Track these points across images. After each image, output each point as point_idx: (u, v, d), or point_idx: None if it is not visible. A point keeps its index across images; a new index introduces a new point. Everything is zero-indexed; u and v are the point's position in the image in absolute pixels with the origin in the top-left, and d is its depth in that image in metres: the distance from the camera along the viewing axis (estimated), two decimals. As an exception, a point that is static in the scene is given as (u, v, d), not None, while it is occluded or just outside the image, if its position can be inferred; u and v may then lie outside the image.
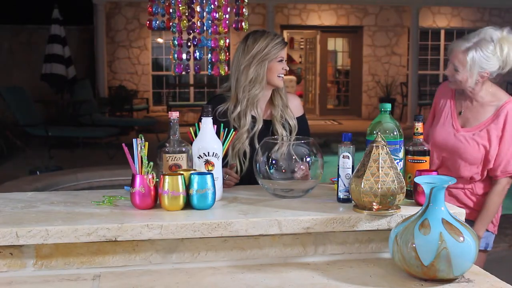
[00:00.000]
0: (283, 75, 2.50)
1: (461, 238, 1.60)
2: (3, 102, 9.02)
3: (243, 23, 2.71)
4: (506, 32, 2.43)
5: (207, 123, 2.01)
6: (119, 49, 12.89)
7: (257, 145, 2.38)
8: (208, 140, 2.00)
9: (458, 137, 2.52)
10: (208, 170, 1.98)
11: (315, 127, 11.92)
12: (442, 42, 14.22)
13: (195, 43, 2.75)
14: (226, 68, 2.75)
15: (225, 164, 2.28)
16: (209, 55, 2.79)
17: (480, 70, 2.42)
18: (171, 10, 2.71)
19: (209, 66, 2.80)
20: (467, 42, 2.44)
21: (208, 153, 1.99)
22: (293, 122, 2.54)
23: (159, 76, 13.30)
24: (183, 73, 2.82)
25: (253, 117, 2.48)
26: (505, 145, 2.48)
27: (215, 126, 2.05)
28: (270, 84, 2.48)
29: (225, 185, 2.26)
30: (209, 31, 2.69)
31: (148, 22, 2.82)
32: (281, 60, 2.47)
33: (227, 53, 2.75)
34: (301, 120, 2.60)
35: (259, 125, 2.48)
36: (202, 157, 1.99)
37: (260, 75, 2.44)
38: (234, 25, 2.74)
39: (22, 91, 9.17)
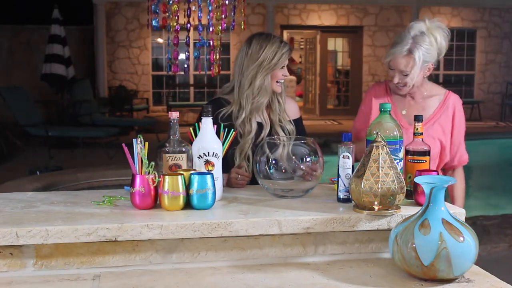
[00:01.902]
0: (282, 81, 2.47)
1: (461, 238, 1.60)
2: (3, 102, 9.02)
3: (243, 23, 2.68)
4: (428, 21, 2.42)
5: (207, 123, 2.01)
6: (119, 49, 12.89)
7: None
8: (208, 140, 2.00)
9: (410, 136, 2.50)
10: (208, 170, 1.97)
11: (315, 127, 11.96)
12: (442, 42, 14.20)
13: (188, 43, 2.73)
14: (218, 68, 2.72)
15: (225, 166, 2.27)
16: (197, 55, 2.74)
17: (425, 65, 2.42)
18: (167, 9, 2.69)
19: (205, 66, 2.77)
20: (403, 45, 2.39)
21: (208, 153, 1.99)
22: (291, 127, 2.52)
23: (159, 76, 13.30)
24: (181, 72, 2.81)
25: (259, 123, 2.46)
26: (457, 136, 2.53)
27: (215, 126, 2.05)
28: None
29: (238, 185, 2.25)
30: (209, 30, 2.67)
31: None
32: (283, 67, 2.43)
33: (219, 53, 2.72)
34: (297, 123, 2.56)
35: (266, 131, 2.45)
36: (202, 157, 1.99)
37: (266, 84, 2.41)
38: (232, 26, 2.71)
39: (22, 91, 9.18)
